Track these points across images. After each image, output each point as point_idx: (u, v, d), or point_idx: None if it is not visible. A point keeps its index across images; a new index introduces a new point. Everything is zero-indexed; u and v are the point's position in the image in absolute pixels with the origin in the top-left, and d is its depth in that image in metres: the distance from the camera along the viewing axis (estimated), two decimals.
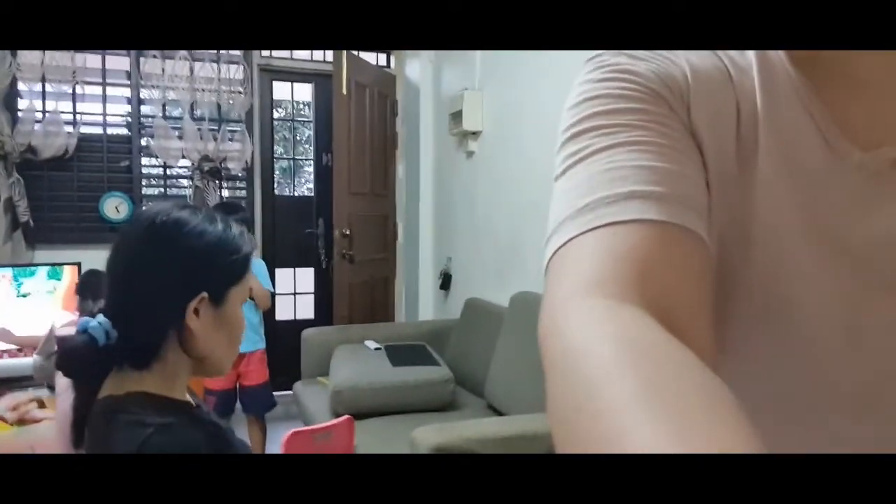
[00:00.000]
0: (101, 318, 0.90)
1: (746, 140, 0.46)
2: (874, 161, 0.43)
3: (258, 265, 2.95)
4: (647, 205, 0.39)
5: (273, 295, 3.04)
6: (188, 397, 0.98)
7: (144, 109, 3.71)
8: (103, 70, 3.62)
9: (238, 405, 2.98)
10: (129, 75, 3.67)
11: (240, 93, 3.79)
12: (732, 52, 0.47)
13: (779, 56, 0.45)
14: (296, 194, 5.48)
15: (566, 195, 0.42)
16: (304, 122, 5.59)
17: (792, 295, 0.46)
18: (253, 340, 2.92)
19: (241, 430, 2.81)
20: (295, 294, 4.37)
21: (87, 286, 2.32)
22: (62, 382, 0.94)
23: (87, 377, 0.91)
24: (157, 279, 0.91)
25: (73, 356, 0.88)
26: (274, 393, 3.06)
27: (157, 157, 3.70)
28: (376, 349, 2.87)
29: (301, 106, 5.79)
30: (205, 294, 0.92)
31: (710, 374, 0.30)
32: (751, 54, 0.47)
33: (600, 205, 0.39)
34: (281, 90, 4.28)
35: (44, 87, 3.48)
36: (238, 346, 1.03)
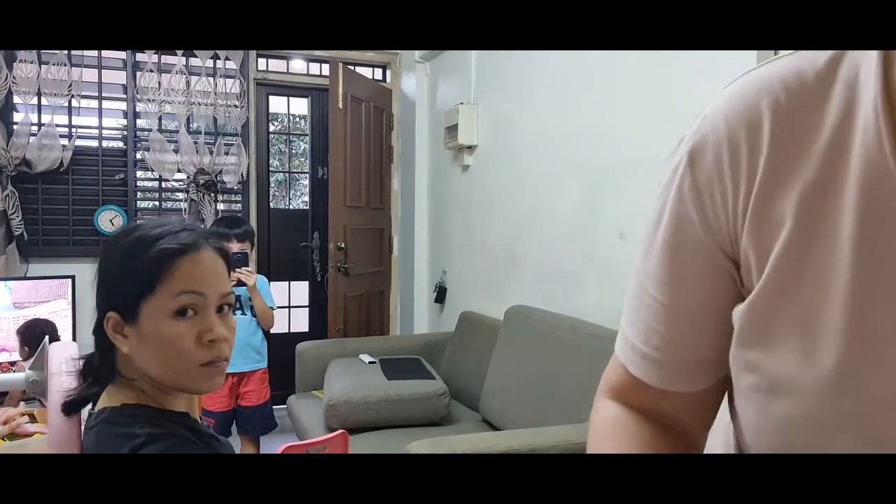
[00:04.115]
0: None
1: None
2: None
3: (261, 282, 2.93)
4: (643, 366, 0.57)
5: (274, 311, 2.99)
6: (186, 409, 0.98)
7: (140, 123, 3.71)
8: (99, 83, 3.63)
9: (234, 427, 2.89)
10: (125, 89, 3.67)
11: (236, 106, 3.80)
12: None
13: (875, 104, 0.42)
14: (291, 207, 5.48)
15: (631, 309, 0.58)
16: (299, 135, 5.61)
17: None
18: (253, 359, 2.87)
19: (235, 448, 2.77)
20: (289, 307, 4.36)
21: (29, 333, 2.44)
22: (54, 387, 0.94)
23: (103, 383, 0.93)
24: (98, 297, 0.92)
25: (85, 366, 0.93)
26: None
27: (152, 170, 3.69)
28: (371, 362, 2.86)
29: (297, 119, 5.80)
30: (111, 313, 0.88)
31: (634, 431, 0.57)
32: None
33: (627, 348, 0.58)
34: (277, 104, 4.29)
35: (39, 100, 3.48)
36: (187, 367, 0.88)
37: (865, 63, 0.43)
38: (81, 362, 0.94)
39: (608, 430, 0.58)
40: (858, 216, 0.42)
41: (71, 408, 0.91)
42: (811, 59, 0.45)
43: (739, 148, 0.46)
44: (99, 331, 0.90)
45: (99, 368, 0.92)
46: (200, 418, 1.01)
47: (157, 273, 0.86)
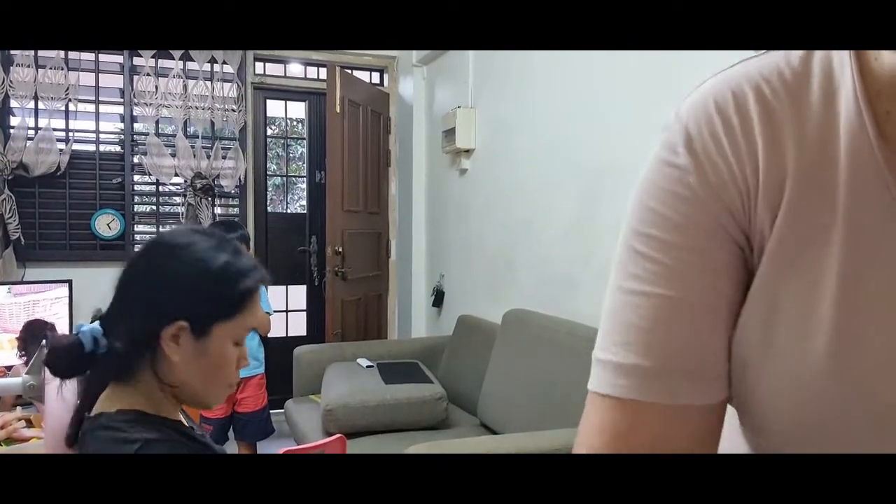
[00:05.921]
0: (96, 324, 0.91)
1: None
2: None
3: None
4: (649, 385, 0.48)
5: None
6: (181, 418, 0.97)
7: (137, 127, 3.71)
8: (96, 87, 3.62)
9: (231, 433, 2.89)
10: (122, 93, 3.67)
11: (233, 110, 3.80)
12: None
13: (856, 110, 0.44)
14: (289, 211, 5.48)
15: (606, 320, 0.55)
16: (297, 139, 5.61)
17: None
18: (250, 365, 2.87)
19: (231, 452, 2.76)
20: (287, 311, 4.36)
21: (29, 334, 2.42)
22: (51, 391, 0.94)
23: (68, 376, 0.91)
24: (142, 297, 0.91)
25: (57, 353, 0.90)
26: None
27: (149, 174, 3.69)
28: (369, 367, 2.86)
29: (294, 123, 5.80)
30: (183, 323, 0.90)
31: None
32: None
33: (618, 376, 0.50)
34: (274, 108, 4.30)
35: (36, 104, 3.48)
36: (221, 387, 0.96)
37: (837, 53, 0.45)
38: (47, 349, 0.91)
39: None
40: (847, 204, 0.43)
41: (74, 436, 0.91)
42: (785, 57, 0.47)
43: (732, 123, 0.46)
44: (141, 332, 0.90)
45: (115, 366, 0.91)
46: (201, 425, 1.01)
47: (242, 305, 0.94)
